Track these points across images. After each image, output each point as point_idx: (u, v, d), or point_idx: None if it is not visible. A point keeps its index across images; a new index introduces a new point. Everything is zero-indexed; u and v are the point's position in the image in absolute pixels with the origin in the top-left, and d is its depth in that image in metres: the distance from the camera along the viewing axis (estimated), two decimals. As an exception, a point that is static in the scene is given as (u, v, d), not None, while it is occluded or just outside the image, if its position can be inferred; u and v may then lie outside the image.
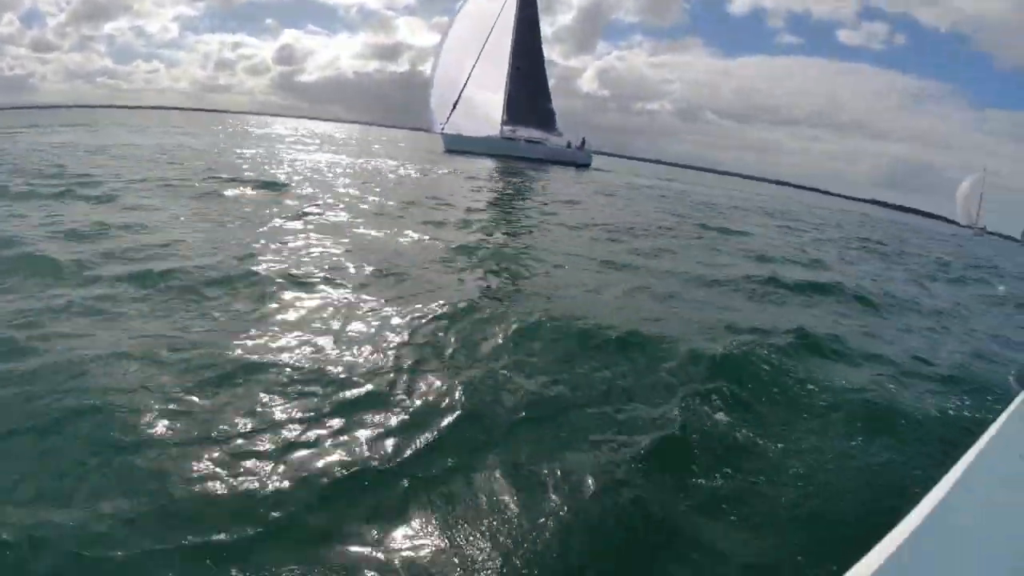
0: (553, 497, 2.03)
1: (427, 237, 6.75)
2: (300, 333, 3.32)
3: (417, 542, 1.76)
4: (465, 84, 33.71)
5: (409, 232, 6.86)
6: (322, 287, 4.27)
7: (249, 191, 9.05)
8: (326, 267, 4.79)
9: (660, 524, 1.96)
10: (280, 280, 4.26)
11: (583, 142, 35.43)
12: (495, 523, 1.87)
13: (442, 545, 1.76)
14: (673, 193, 23.88)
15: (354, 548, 1.73)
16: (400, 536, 1.79)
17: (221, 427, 2.26)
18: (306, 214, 7.41)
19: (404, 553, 1.72)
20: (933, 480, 0.94)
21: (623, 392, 2.96)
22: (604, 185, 21.88)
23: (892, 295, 6.74)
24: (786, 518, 2.06)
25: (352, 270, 4.84)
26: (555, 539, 1.82)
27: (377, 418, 2.44)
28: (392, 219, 7.85)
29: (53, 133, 20.64)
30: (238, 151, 18.05)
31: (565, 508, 1.97)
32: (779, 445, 2.52)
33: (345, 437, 2.28)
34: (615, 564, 1.80)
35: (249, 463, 2.05)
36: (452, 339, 3.42)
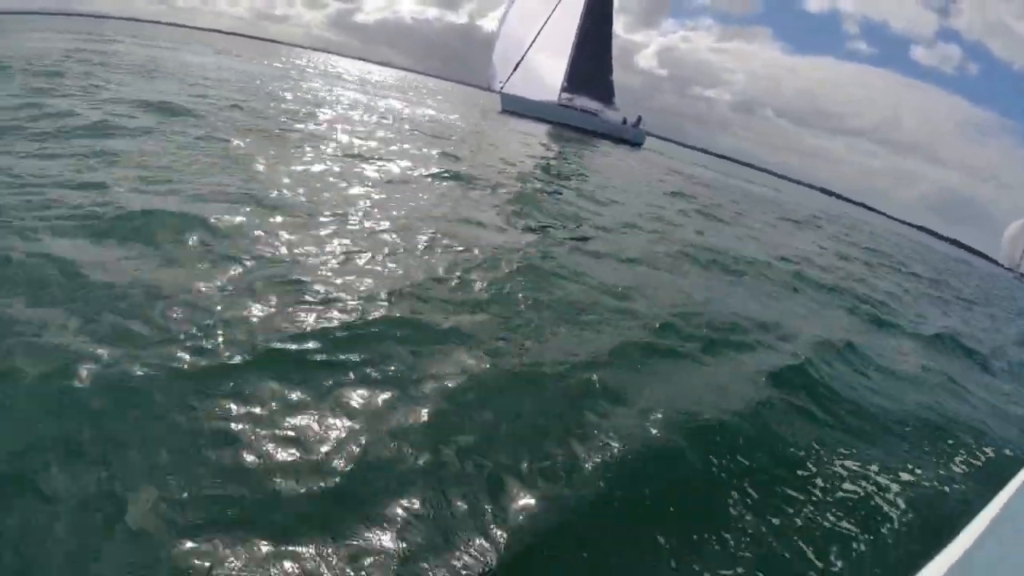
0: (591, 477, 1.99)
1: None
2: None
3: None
4: (531, 45, 33.42)
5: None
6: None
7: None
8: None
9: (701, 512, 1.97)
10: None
11: (639, 120, 34.82)
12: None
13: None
14: (764, 197, 23.50)
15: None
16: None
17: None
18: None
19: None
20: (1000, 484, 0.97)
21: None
22: (700, 181, 21.78)
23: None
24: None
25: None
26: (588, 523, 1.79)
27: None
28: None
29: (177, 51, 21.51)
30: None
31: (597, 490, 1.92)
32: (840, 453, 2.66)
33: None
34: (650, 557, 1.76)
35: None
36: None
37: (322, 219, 4.18)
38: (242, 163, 5.48)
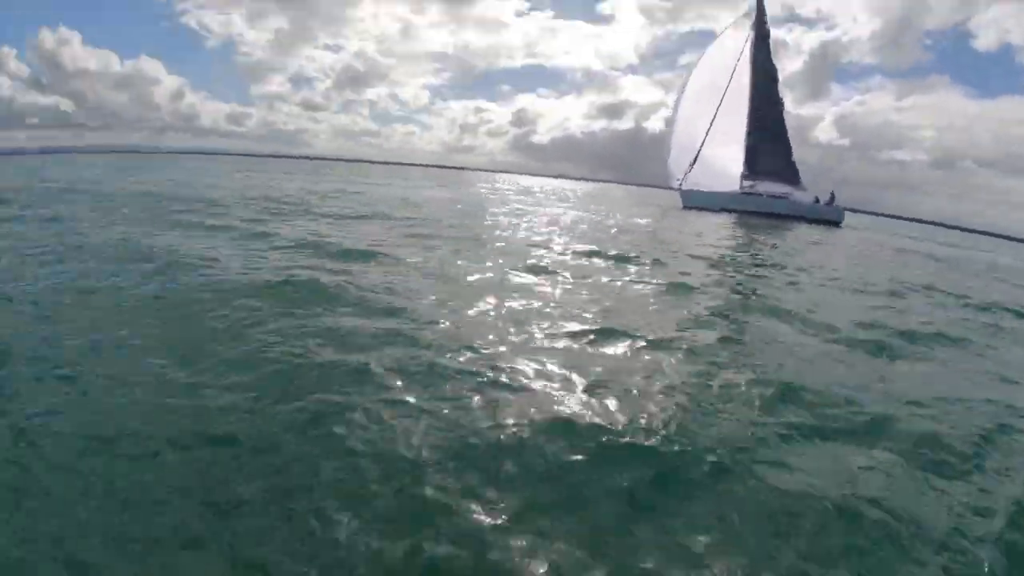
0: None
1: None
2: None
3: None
4: (704, 140, 34.44)
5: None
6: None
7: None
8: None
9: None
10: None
11: (832, 197, 33.18)
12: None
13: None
14: None
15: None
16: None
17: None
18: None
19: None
20: None
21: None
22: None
23: None
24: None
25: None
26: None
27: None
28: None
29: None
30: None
31: None
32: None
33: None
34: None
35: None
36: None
37: (652, 336, 5.06)
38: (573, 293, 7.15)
